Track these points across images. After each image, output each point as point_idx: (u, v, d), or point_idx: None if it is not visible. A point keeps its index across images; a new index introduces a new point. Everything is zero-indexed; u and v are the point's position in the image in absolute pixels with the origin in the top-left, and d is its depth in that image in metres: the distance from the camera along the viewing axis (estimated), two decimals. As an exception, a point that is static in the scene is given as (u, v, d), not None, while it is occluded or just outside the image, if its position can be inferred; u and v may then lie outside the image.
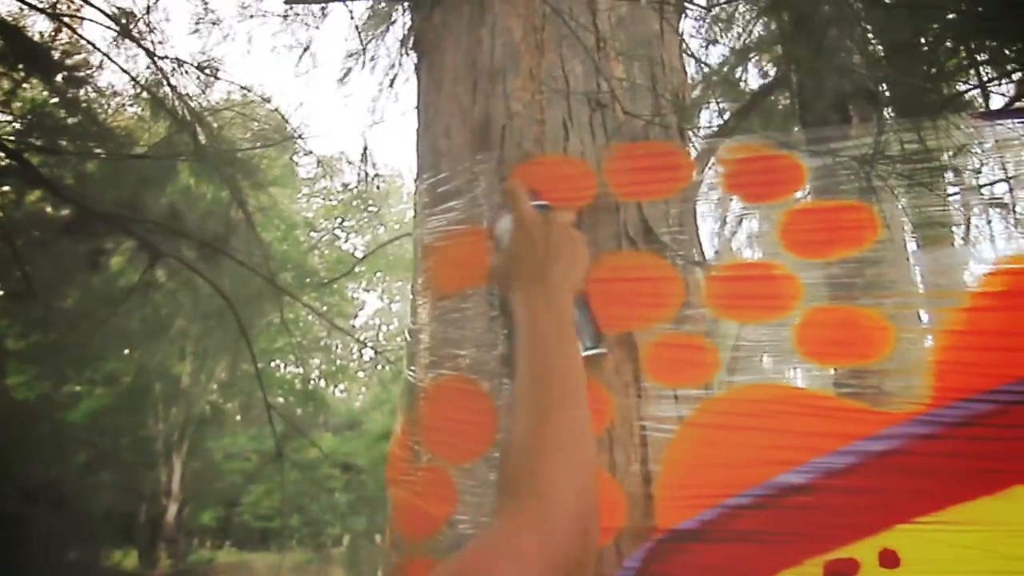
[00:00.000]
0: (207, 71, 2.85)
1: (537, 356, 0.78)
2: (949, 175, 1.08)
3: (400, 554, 1.14)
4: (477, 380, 1.11)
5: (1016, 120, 0.98)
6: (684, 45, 1.45)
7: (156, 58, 2.73)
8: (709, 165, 1.15)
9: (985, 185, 1.08)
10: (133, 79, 2.89)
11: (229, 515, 16.97)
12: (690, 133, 1.25)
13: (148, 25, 2.80)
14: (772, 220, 1.04)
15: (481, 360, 1.12)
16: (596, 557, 0.69)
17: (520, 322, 0.84)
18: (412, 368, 1.23)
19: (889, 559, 0.83)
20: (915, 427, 0.87)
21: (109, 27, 2.89)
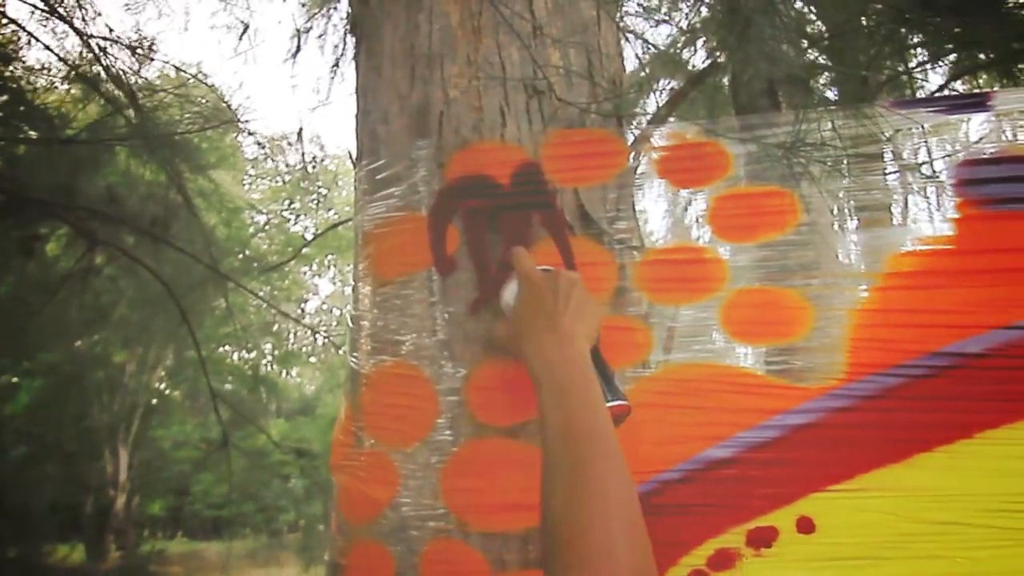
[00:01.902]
0: (141, 50, 2.75)
1: (559, 409, 0.74)
2: (888, 155, 1.13)
3: (345, 538, 1.16)
4: (418, 366, 1.12)
5: (929, 108, 1.03)
6: (622, 31, 1.48)
7: (86, 36, 2.62)
8: (644, 151, 1.18)
9: (923, 163, 1.13)
10: (61, 59, 2.77)
11: (180, 504, 16.66)
12: (626, 119, 1.27)
13: (77, 1, 2.68)
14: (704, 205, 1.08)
15: (422, 346, 1.13)
16: None
17: (538, 375, 0.80)
18: (354, 354, 1.24)
19: (806, 526, 0.88)
20: (831, 401, 0.92)
21: (35, 5, 2.76)
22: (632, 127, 1.29)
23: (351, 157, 1.39)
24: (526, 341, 0.85)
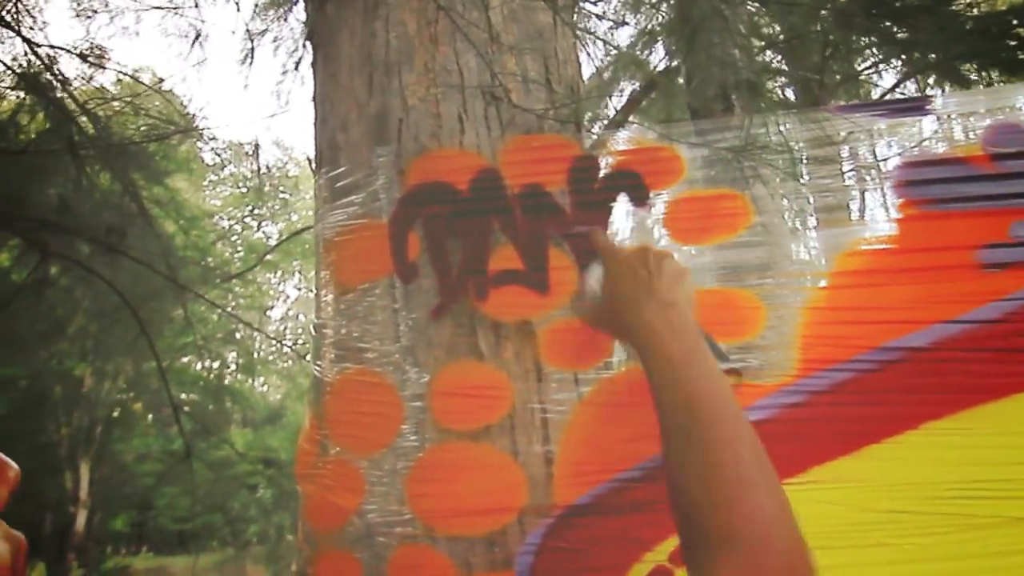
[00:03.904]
0: (92, 58, 2.68)
1: (677, 382, 0.69)
2: (843, 155, 1.16)
3: (311, 547, 1.16)
4: (382, 372, 1.13)
5: (872, 112, 1.07)
6: (580, 35, 1.50)
7: (33, 45, 2.54)
8: (601, 155, 1.20)
9: (866, 166, 1.16)
10: (7, 67, 2.69)
11: (144, 519, 16.27)
12: (584, 123, 1.29)
13: (19, 8, 2.60)
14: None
15: (385, 352, 1.14)
16: (808, 563, 0.61)
17: (645, 348, 0.75)
18: (318, 362, 1.24)
19: (762, 518, 0.91)
20: (784, 397, 0.95)
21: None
22: (590, 131, 1.31)
23: (311, 164, 1.38)
24: (624, 313, 0.81)
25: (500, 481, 1.03)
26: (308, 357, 1.43)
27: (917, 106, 1.06)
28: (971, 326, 0.93)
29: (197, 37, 2.65)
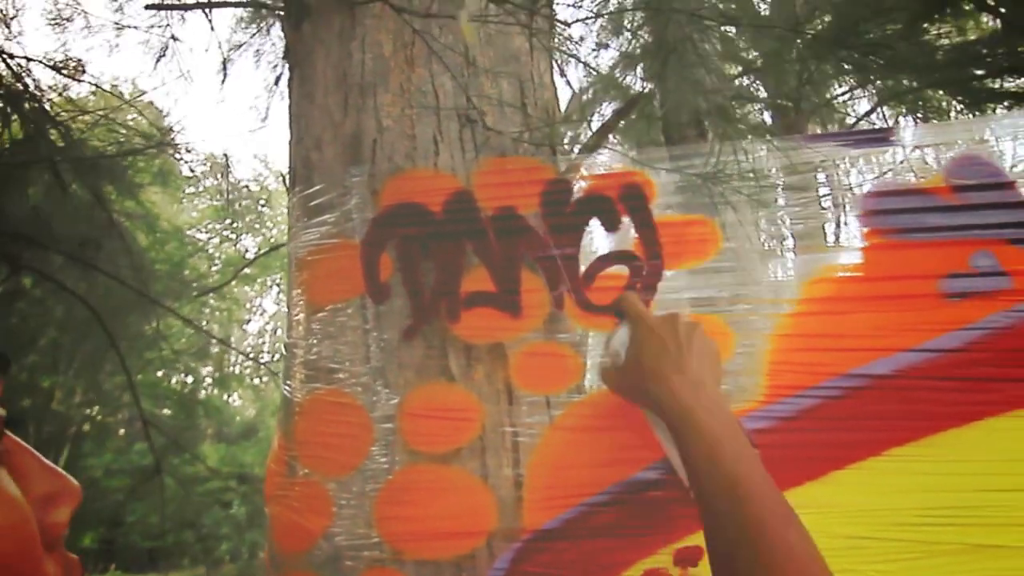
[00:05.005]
0: (66, 69, 2.66)
1: (713, 462, 0.68)
2: (822, 178, 1.17)
3: (278, 570, 1.14)
4: (352, 394, 1.12)
5: (838, 142, 1.09)
6: (561, 58, 1.51)
7: (5, 55, 2.52)
8: (574, 179, 1.21)
9: (848, 189, 1.18)
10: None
11: (113, 536, 15.90)
12: (559, 147, 1.30)
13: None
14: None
15: (356, 373, 1.13)
16: None
17: (677, 422, 0.74)
18: (288, 382, 1.23)
19: (728, 545, 0.91)
20: (751, 422, 0.96)
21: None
22: (567, 154, 1.32)
23: (284, 182, 1.38)
24: (655, 387, 0.79)
25: (469, 505, 1.03)
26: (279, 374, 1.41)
27: (882, 137, 1.08)
28: (934, 354, 0.95)
29: (164, 51, 2.63)
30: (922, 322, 0.96)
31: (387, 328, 1.13)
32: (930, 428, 0.93)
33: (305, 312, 1.21)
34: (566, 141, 1.33)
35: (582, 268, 1.08)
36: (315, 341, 1.18)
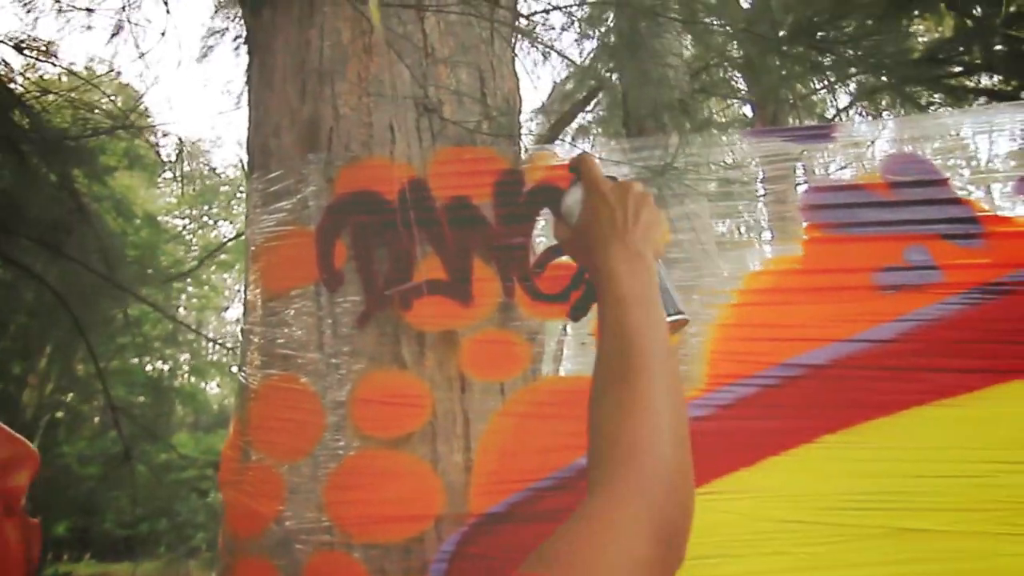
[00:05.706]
0: (29, 50, 2.60)
1: (618, 320, 0.68)
2: (801, 171, 1.19)
3: (231, 555, 1.15)
4: (305, 380, 1.13)
5: (782, 137, 1.12)
6: (541, 47, 1.52)
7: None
8: (529, 170, 1.22)
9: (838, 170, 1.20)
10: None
11: (88, 524, 15.74)
12: (519, 137, 1.32)
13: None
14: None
15: (309, 360, 1.14)
16: (690, 526, 0.63)
17: (602, 284, 0.74)
18: (244, 368, 1.23)
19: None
20: (692, 410, 0.98)
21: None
22: (524, 145, 1.33)
23: (243, 168, 1.38)
24: (594, 250, 0.77)
25: (418, 489, 1.05)
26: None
27: (823, 133, 1.11)
28: (867, 345, 0.98)
29: (116, 32, 2.58)
30: (856, 314, 0.99)
31: (340, 315, 1.14)
32: (861, 416, 0.96)
33: (261, 298, 1.22)
34: (525, 132, 1.34)
35: (532, 258, 1.10)
36: (270, 327, 1.18)
